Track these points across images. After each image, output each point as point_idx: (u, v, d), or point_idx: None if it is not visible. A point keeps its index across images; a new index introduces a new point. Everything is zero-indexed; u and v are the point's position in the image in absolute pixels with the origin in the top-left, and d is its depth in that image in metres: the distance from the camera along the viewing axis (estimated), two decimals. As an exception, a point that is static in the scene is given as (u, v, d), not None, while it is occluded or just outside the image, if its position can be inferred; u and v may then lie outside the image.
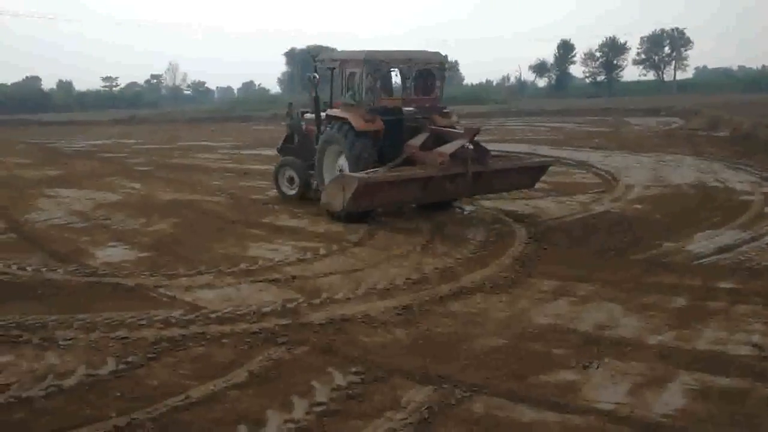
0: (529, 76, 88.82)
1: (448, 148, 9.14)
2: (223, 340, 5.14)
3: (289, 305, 5.91)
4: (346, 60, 10.42)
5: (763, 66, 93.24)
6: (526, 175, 10.31)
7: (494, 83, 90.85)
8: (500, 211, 10.18)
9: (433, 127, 9.87)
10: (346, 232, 8.80)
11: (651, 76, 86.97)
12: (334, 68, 10.70)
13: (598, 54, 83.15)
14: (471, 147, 9.16)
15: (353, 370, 4.56)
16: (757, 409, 3.93)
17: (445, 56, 10.47)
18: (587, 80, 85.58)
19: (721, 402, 4.03)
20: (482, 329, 5.36)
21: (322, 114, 10.72)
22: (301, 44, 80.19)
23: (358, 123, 9.55)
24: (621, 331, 5.25)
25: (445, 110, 10.47)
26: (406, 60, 10.05)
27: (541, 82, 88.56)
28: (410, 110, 10.21)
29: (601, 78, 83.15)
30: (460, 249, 7.88)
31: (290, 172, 11.40)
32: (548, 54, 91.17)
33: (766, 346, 4.82)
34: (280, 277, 6.85)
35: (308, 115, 11.54)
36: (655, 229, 8.81)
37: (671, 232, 8.56)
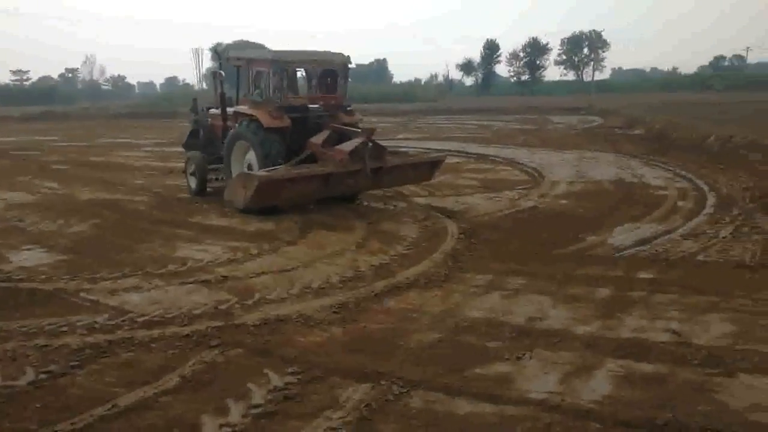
0: (456, 74, 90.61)
1: (347, 145, 9.50)
2: (153, 345, 4.94)
3: (221, 307, 5.76)
4: (252, 59, 10.64)
5: (674, 68, 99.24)
6: (423, 169, 10.86)
7: (423, 81, 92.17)
8: (432, 207, 10.33)
9: (334, 125, 10.18)
10: (278, 231, 8.68)
11: (571, 76, 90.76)
12: (240, 66, 10.90)
13: (521, 54, 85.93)
14: (369, 145, 9.53)
15: (290, 370, 4.49)
16: (677, 392, 4.14)
17: (348, 57, 10.76)
18: (512, 79, 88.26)
19: (645, 386, 4.23)
20: (418, 325, 5.40)
21: (229, 110, 10.91)
22: (228, 39, 78.77)
23: (266, 120, 9.83)
24: (551, 322, 5.42)
25: (348, 108, 10.83)
26: (311, 60, 10.44)
27: (468, 81, 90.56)
28: (316, 108, 10.52)
29: (525, 77, 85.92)
30: (394, 246, 7.92)
31: (192, 167, 11.48)
32: (475, 53, 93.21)
33: (683, 332, 5.10)
34: (210, 278, 6.66)
35: (213, 111, 11.72)
36: (579, 223, 9.16)
37: (594, 226, 8.93)
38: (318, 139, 9.94)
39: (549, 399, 4.07)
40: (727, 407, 3.93)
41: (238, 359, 4.72)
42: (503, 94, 72.94)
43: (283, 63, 10.10)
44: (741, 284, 6.27)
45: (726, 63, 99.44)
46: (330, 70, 10.62)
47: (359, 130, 9.94)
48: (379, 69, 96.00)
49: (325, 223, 9.17)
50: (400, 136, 23.21)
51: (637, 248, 7.75)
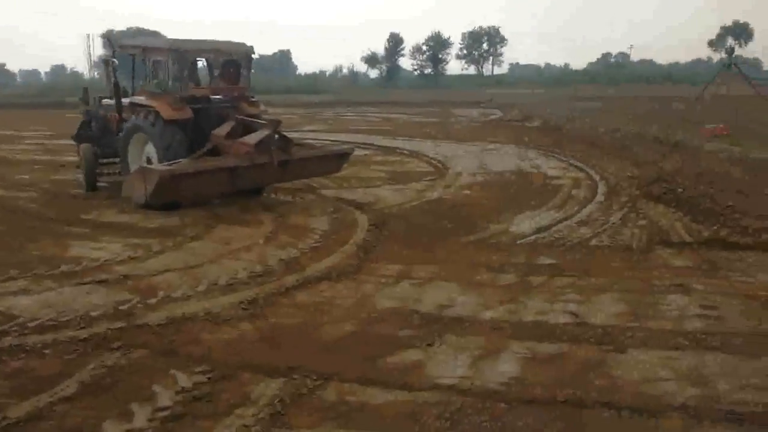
0: (361, 67, 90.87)
1: (253, 138, 9.31)
2: (46, 351, 4.62)
3: (122, 307, 5.47)
4: (149, 48, 10.21)
5: (565, 64, 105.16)
6: (330, 162, 10.83)
7: (327, 74, 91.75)
8: (341, 200, 10.32)
9: (239, 117, 9.95)
10: (182, 227, 8.36)
11: (472, 70, 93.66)
12: (135, 55, 10.41)
13: (424, 48, 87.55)
14: (275, 136, 9.39)
15: (198, 369, 4.35)
16: (575, 369, 4.40)
17: (251, 47, 10.54)
18: (415, 73, 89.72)
19: (547, 366, 4.46)
20: (330, 317, 5.39)
21: (125, 101, 10.41)
22: (119, 26, 74.70)
23: (166, 111, 9.46)
24: (459, 309, 5.58)
25: (252, 99, 10.62)
26: (213, 50, 10.10)
27: (373, 74, 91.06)
28: (218, 99, 10.23)
29: (428, 71, 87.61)
30: (304, 239, 7.84)
31: (82, 161, 10.93)
32: (379, 46, 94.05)
33: (580, 313, 5.42)
34: (109, 277, 6.30)
35: (106, 101, 11.15)
36: (483, 212, 9.48)
37: (497, 214, 9.28)
38: (222, 131, 9.62)
39: (459, 383, 4.19)
40: (621, 381, 4.22)
41: (143, 361, 4.52)
42: (408, 87, 73.97)
43: (183, 52, 9.71)
44: (629, 266, 6.75)
45: (612, 60, 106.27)
46: (232, 60, 10.30)
47: (265, 122, 9.74)
48: (282, 60, 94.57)
49: (231, 218, 8.93)
50: (306, 128, 23.00)
51: (537, 235, 8.13)
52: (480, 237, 8.11)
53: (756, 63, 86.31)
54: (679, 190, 10.00)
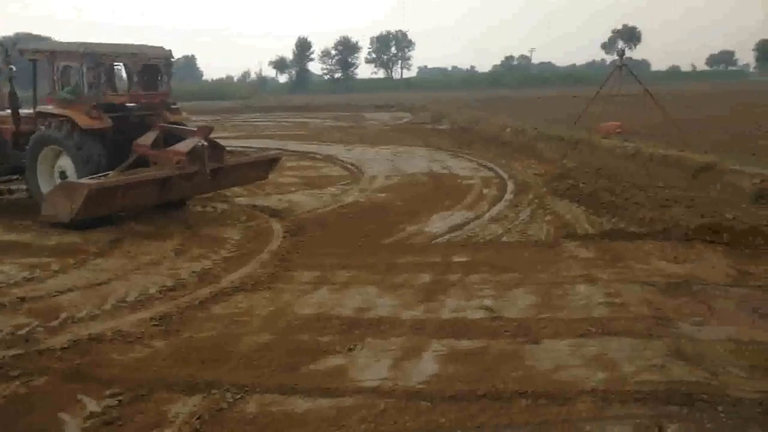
0: (269, 71, 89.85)
1: (184, 146, 8.96)
2: (-66, 385, 4.23)
3: (19, 332, 5.10)
4: (59, 52, 9.46)
5: (471, 67, 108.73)
6: (261, 167, 10.66)
7: (235, 79, 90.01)
8: (255, 207, 10.13)
9: (162, 125, 9.54)
10: (84, 243, 7.89)
11: (382, 74, 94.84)
12: (36, 60, 9.66)
13: (333, 52, 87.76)
14: (206, 144, 9.09)
15: (108, 392, 4.12)
16: (493, 363, 4.52)
17: (170, 51, 10.13)
18: (326, 77, 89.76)
19: (466, 362, 4.56)
20: (248, 328, 5.26)
21: (24, 111, 9.73)
22: (7, 31, 69.84)
23: (83, 121, 8.86)
24: (378, 311, 5.61)
25: (174, 106, 10.20)
26: (130, 54, 9.56)
27: (282, 78, 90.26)
28: (137, 106, 9.74)
29: (338, 75, 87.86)
30: (217, 250, 7.62)
31: None
32: (287, 50, 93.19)
33: (495, 307, 5.58)
34: (4, 301, 5.84)
35: None
36: (398, 214, 9.59)
37: (412, 216, 9.41)
38: (146, 140, 9.15)
39: (382, 385, 4.20)
40: (535, 371, 4.38)
41: (46, 388, 4.21)
42: (318, 92, 73.79)
43: (99, 56, 9.08)
44: (539, 260, 7.03)
45: (515, 62, 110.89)
46: (151, 65, 9.77)
47: (194, 129, 9.35)
48: (187, 66, 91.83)
49: (138, 231, 8.53)
50: (215, 135, 22.34)
51: (451, 234, 8.31)
52: (396, 239, 8.19)
53: (643, 64, 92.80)
54: (582, 185, 10.55)
